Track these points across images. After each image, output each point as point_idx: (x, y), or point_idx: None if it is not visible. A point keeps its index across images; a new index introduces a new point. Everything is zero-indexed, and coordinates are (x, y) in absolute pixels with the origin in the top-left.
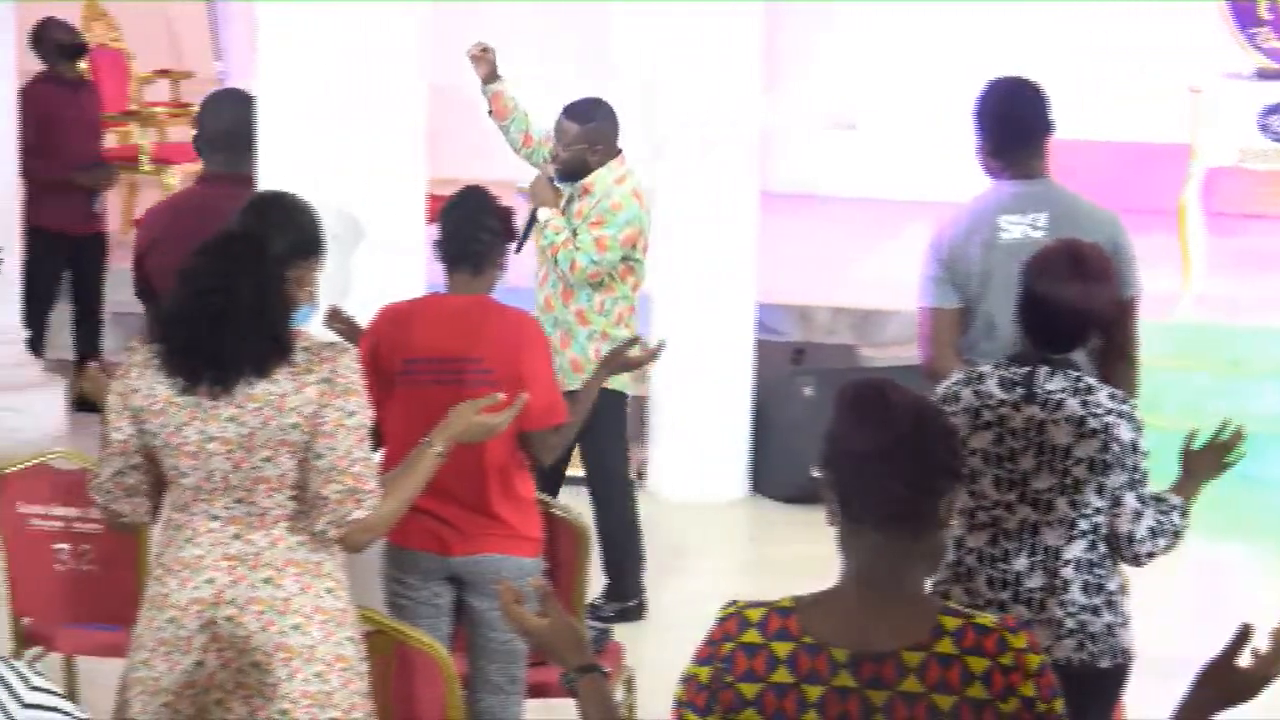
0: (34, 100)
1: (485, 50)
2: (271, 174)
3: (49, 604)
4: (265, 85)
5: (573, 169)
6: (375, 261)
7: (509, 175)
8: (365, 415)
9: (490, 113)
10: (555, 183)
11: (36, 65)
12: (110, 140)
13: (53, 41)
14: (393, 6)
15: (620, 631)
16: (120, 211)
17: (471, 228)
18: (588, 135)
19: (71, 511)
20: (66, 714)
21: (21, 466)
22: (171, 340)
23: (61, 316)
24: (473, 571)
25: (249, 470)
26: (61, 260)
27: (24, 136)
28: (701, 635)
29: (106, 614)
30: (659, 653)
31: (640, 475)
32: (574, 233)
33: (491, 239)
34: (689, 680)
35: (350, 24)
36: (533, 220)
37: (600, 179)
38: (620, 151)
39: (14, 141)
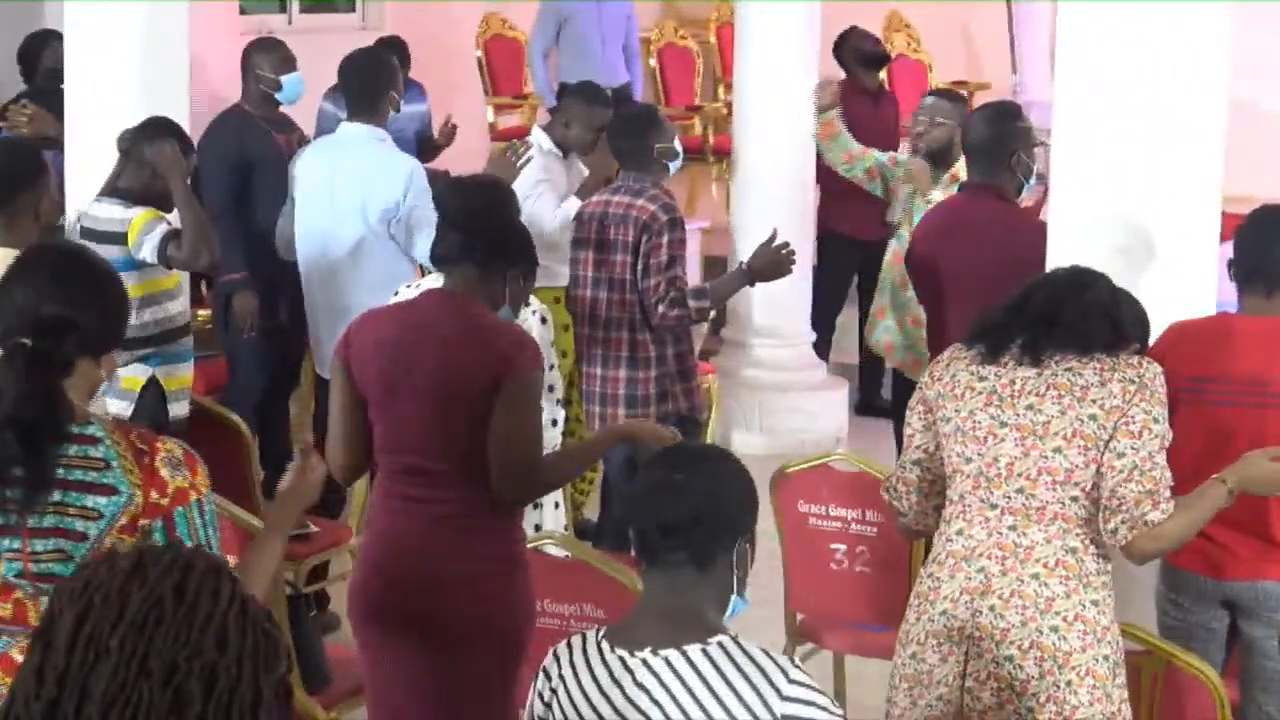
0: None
1: (832, 82)
2: (1063, 185)
3: (823, 601)
4: (1062, 96)
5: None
6: (1165, 277)
7: None
8: (1167, 425)
9: (816, 135)
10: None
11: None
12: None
13: (855, 50)
14: (1196, 18)
15: None
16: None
17: (1269, 247)
18: None
19: (850, 513)
20: (824, 708)
21: (804, 466)
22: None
23: (848, 320)
24: (1250, 598)
25: (1036, 459)
26: (852, 266)
27: None
28: None
29: (878, 614)
30: None
31: None
32: None
33: None
34: None
35: (1151, 33)
36: None
37: None
38: None
39: (811, 147)
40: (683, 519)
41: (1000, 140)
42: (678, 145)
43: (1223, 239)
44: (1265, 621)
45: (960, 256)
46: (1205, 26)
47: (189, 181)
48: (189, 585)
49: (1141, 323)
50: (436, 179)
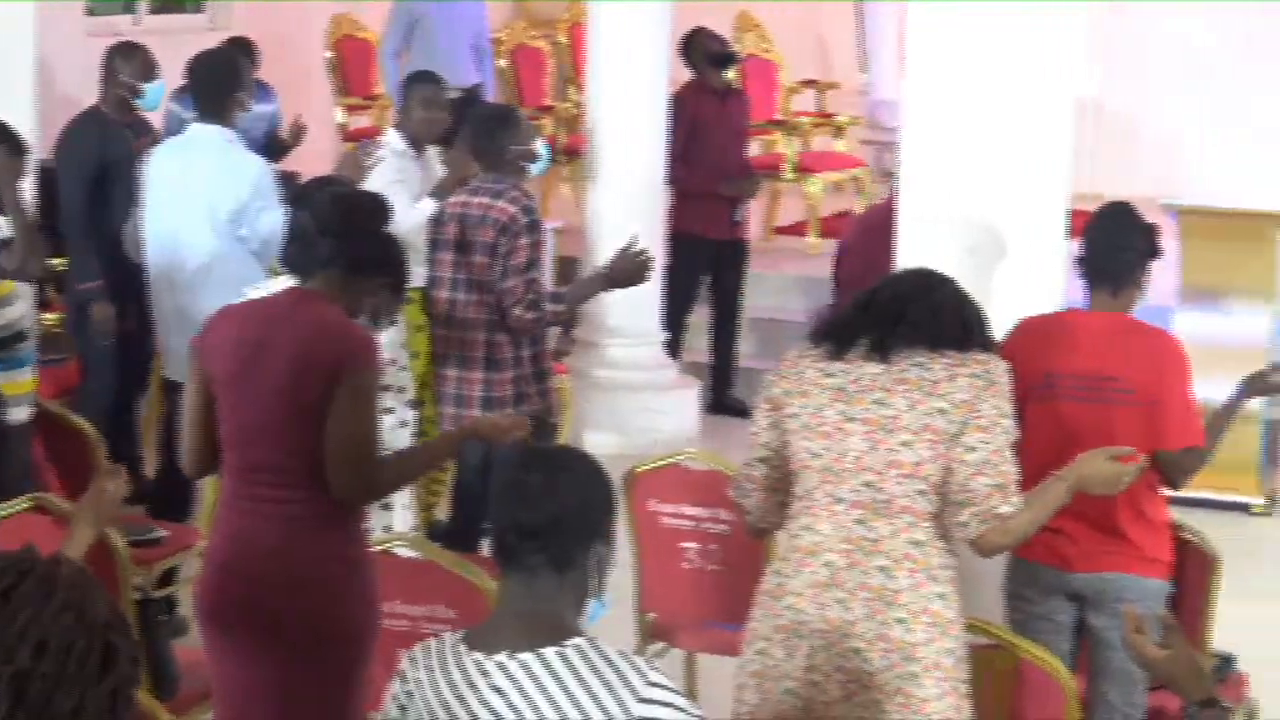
0: (685, 108)
1: None
2: (913, 184)
3: (675, 601)
4: (911, 95)
5: None
6: (1013, 275)
7: (1154, 191)
8: (1014, 421)
9: None
10: None
11: (687, 74)
12: (755, 148)
13: (703, 50)
14: (1049, 19)
15: (1246, 661)
16: (762, 219)
17: (1115, 245)
18: None
19: (701, 511)
20: (682, 710)
21: (656, 465)
22: None
23: (699, 320)
24: (1096, 589)
25: (884, 453)
26: (703, 266)
27: (671, 143)
28: None
29: (730, 613)
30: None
31: (1273, 500)
32: None
33: (1135, 257)
34: None
35: (1000, 33)
36: None
37: None
38: None
39: (662, 147)
40: (541, 522)
41: None
42: (538, 147)
43: (1071, 236)
44: (1111, 613)
45: (866, 260)
46: (1052, 26)
47: (49, 185)
48: (17, 590)
49: (984, 323)
50: (286, 180)
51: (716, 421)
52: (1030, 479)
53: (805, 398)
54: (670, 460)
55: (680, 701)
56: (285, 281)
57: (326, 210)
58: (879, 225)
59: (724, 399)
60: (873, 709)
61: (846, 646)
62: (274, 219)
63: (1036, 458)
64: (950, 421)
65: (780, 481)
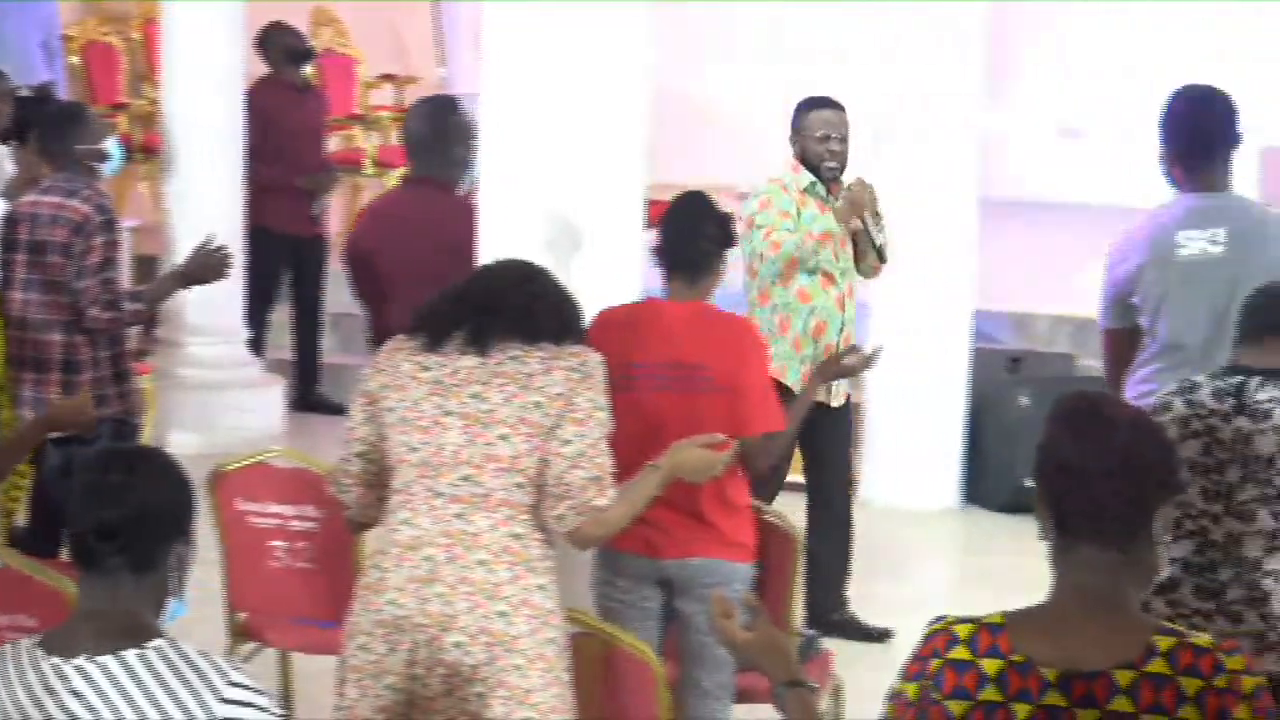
0: (259, 104)
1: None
2: (492, 177)
3: (266, 599)
4: (489, 89)
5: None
6: (593, 266)
7: (729, 180)
8: (609, 413)
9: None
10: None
11: (265, 69)
12: (335, 144)
13: (279, 46)
14: (616, 9)
15: (830, 639)
16: (343, 214)
17: (691, 234)
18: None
19: (288, 509)
20: (263, 709)
21: (241, 464)
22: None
23: (281, 317)
24: (683, 575)
25: (482, 447)
26: (282, 262)
27: (249, 139)
28: (911, 644)
29: (323, 610)
30: (868, 661)
31: (853, 482)
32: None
33: (711, 245)
34: (896, 697)
35: (573, 29)
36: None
37: None
38: None
39: (240, 144)
40: (119, 522)
41: (440, 133)
42: (109, 146)
43: (648, 227)
44: (697, 598)
45: (404, 250)
46: (622, 18)
47: None
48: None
49: (579, 314)
50: None
51: (302, 419)
52: (618, 470)
53: (402, 391)
54: (256, 459)
55: (262, 701)
56: None
57: None
58: (388, 213)
59: (309, 396)
60: (476, 703)
61: (448, 641)
62: None
63: (624, 448)
64: (546, 415)
65: (379, 476)
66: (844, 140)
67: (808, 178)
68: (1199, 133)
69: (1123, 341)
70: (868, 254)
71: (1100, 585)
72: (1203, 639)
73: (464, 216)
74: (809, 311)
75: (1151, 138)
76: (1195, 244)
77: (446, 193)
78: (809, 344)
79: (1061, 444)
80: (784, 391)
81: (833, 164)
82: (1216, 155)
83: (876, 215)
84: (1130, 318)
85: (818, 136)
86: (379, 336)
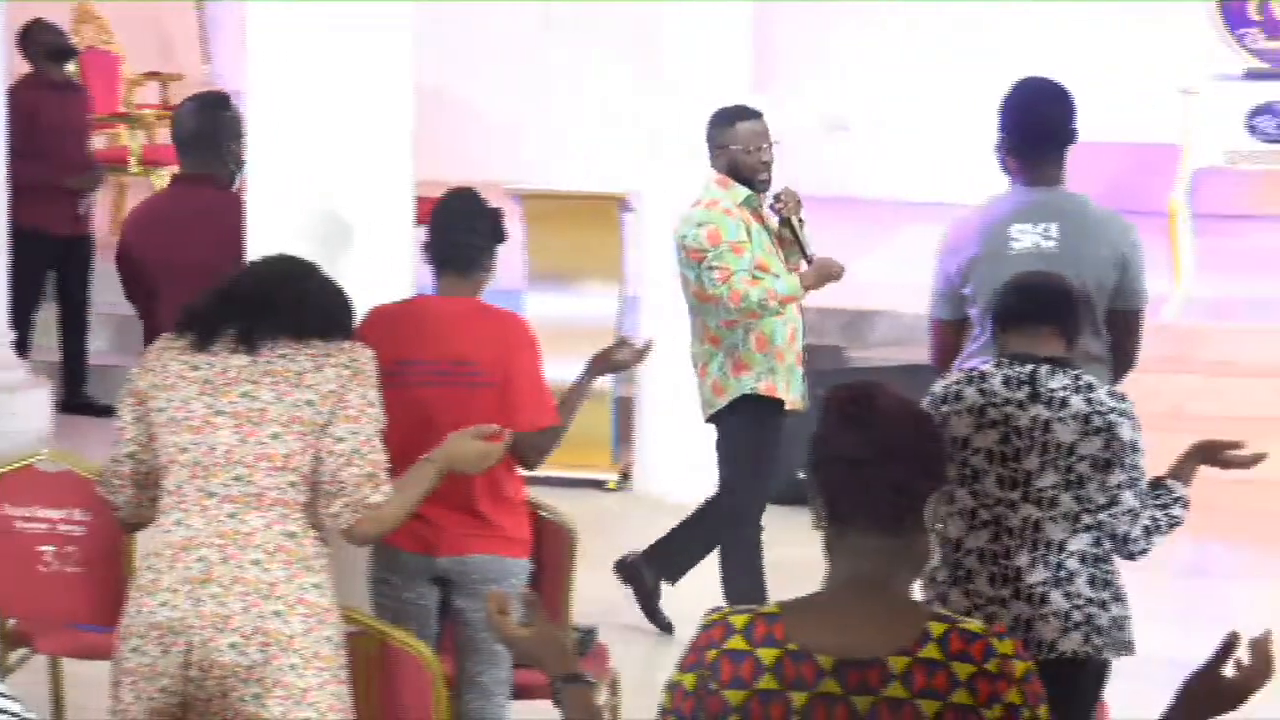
0: (20, 103)
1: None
2: (260, 175)
3: (34, 605)
4: (254, 87)
5: None
6: (363, 264)
7: (497, 177)
8: (381, 409)
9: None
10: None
11: (26, 67)
12: (100, 142)
13: (40, 44)
14: (381, 8)
15: (606, 632)
16: (109, 213)
17: (461, 231)
18: None
19: (56, 513)
20: (14, 715)
21: (8, 469)
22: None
23: (47, 318)
24: (459, 572)
25: (254, 445)
26: (47, 262)
27: (10, 139)
28: (688, 636)
29: (95, 614)
30: (645, 654)
31: (626, 476)
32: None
33: (481, 242)
34: (674, 688)
35: (338, 26)
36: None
37: None
38: None
39: (2, 143)
40: None
41: (211, 130)
42: None
43: (418, 224)
44: (474, 594)
45: (177, 249)
46: (388, 16)
47: None
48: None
49: (349, 311)
50: None
51: (70, 421)
52: (392, 466)
53: (171, 391)
54: (23, 463)
55: (15, 707)
56: None
57: None
58: (160, 212)
59: (77, 397)
60: (253, 703)
61: (223, 641)
62: None
63: (396, 444)
64: (318, 412)
65: (149, 476)
66: (771, 147)
67: (742, 191)
68: (1036, 125)
69: (952, 332)
70: (793, 255)
71: (872, 572)
72: (974, 625)
73: (236, 213)
74: (783, 323)
75: (916, 131)
76: (1028, 238)
77: (219, 190)
78: (790, 352)
79: (834, 434)
80: (779, 408)
81: (765, 175)
82: (1052, 149)
83: (801, 220)
84: (961, 309)
85: (748, 149)
86: (151, 337)
